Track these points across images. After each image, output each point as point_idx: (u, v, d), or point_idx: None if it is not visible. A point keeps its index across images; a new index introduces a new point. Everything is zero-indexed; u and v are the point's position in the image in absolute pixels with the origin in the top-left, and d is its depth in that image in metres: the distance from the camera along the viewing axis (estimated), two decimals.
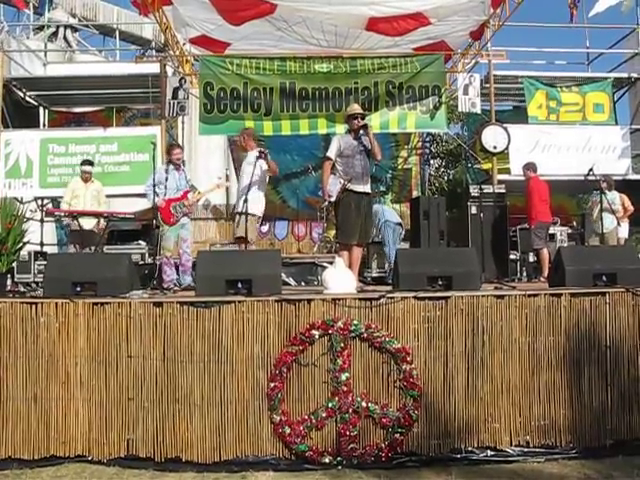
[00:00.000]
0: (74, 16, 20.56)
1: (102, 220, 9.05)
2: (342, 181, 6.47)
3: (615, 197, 9.64)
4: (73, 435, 4.57)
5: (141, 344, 4.60)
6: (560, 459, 4.58)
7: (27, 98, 12.94)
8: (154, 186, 7.74)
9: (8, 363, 4.62)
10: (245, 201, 7.09)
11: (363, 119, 6.76)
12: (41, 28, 18.87)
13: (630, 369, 4.77)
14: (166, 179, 7.86)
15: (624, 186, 10.64)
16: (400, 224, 9.78)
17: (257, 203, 7.52)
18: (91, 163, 9.71)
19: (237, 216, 7.46)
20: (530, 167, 9.45)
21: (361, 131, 6.67)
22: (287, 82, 11.19)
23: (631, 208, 9.77)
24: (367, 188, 6.65)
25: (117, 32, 19.54)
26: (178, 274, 8.00)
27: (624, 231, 9.76)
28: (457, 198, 12.65)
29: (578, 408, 4.70)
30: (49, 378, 4.60)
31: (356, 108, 6.94)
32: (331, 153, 6.61)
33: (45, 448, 4.56)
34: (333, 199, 6.54)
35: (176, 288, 7.41)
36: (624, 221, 9.68)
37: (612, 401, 4.72)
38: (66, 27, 20.60)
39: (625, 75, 12.93)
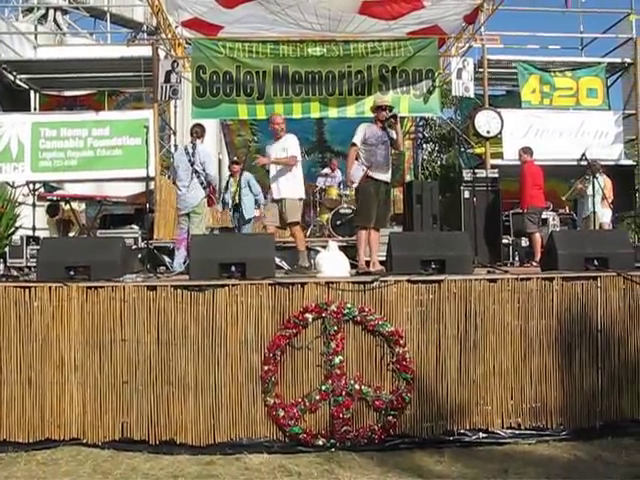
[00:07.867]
0: None
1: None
2: (364, 169, 6.64)
3: (602, 181, 9.62)
4: (68, 418, 4.59)
5: (135, 328, 4.62)
6: (551, 441, 4.65)
7: (17, 81, 12.81)
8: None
9: (2, 347, 4.62)
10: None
11: (391, 110, 6.90)
12: (30, 10, 18.68)
13: (620, 352, 4.82)
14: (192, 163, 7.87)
15: (616, 171, 10.65)
16: None
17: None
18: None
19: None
20: (527, 151, 9.44)
21: (392, 120, 6.79)
22: (280, 66, 11.12)
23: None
24: (387, 177, 6.83)
25: (108, 15, 19.32)
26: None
27: (608, 215, 9.78)
28: (450, 182, 12.67)
29: (569, 391, 4.75)
30: (43, 362, 4.61)
31: (385, 99, 7.17)
32: (357, 140, 6.76)
33: (40, 431, 4.58)
34: (355, 185, 6.80)
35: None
36: (605, 206, 9.66)
37: (602, 384, 4.78)
38: (56, 9, 20.41)
39: (619, 60, 12.86)
